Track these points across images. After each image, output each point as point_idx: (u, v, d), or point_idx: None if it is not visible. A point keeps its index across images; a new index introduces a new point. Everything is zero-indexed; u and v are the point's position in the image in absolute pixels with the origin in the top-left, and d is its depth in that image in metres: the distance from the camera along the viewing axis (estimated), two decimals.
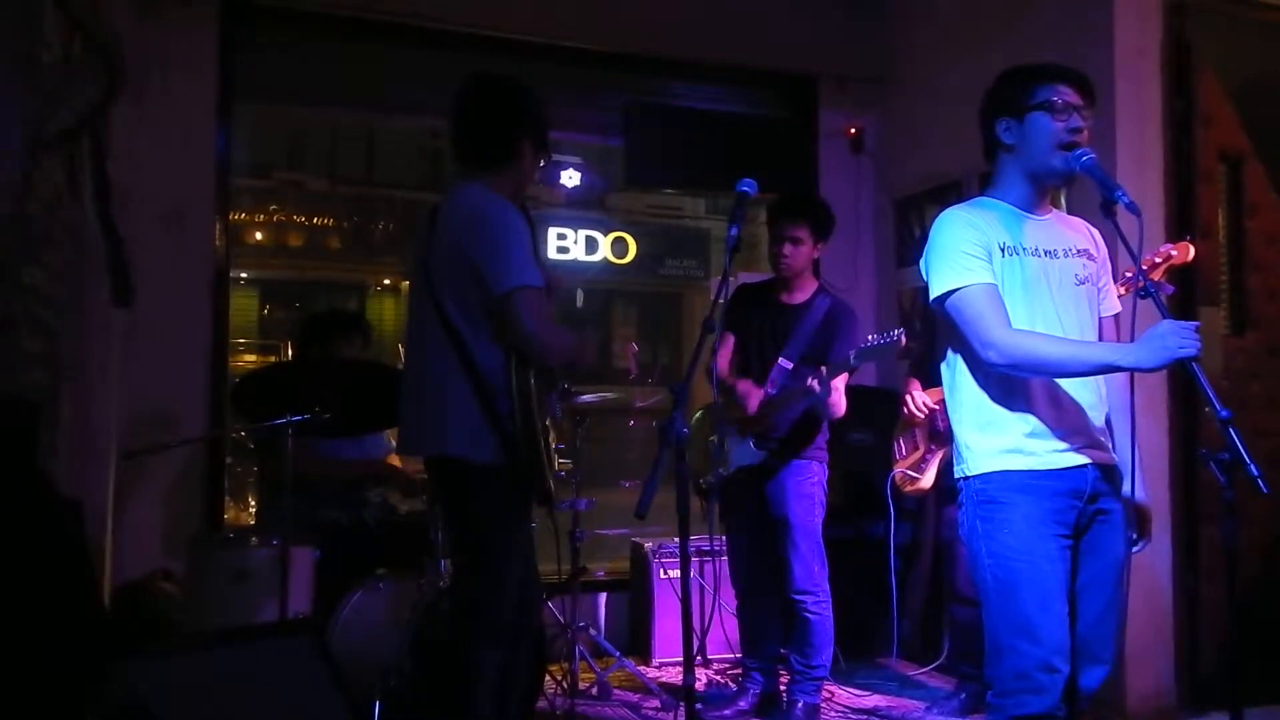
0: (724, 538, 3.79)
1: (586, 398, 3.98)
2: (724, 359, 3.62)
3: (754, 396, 3.47)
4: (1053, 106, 2.13)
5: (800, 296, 3.59)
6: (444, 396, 2.50)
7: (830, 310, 3.52)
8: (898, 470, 3.84)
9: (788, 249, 3.51)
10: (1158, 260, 2.83)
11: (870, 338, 3.20)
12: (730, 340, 3.67)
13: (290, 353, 7.75)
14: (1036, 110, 2.15)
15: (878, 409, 4.59)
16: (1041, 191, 2.24)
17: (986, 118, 2.24)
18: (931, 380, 3.74)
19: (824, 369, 3.30)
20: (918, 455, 3.80)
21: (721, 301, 2.41)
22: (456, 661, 2.54)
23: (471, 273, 2.46)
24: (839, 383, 3.43)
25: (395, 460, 3.96)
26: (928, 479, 3.74)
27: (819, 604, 3.46)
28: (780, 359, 3.49)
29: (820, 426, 3.53)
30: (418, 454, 2.69)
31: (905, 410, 3.73)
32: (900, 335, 3.11)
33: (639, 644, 4.43)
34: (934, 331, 3.91)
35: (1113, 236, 2.16)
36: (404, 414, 2.66)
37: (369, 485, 3.91)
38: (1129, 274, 2.64)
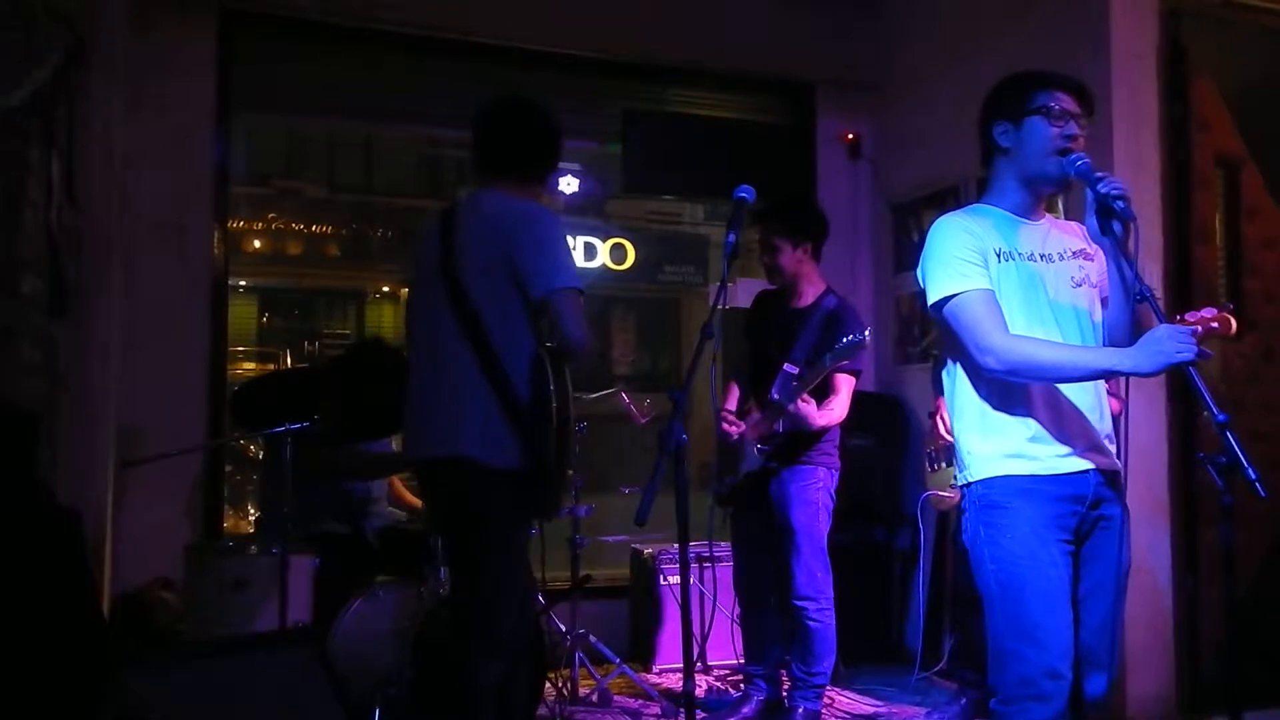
0: (730, 545, 3.79)
1: (592, 396, 4.01)
2: (732, 402, 3.73)
3: (735, 428, 3.56)
4: (1049, 112, 2.13)
5: (806, 300, 3.58)
6: (461, 399, 2.45)
7: (831, 312, 3.50)
8: (930, 492, 3.86)
9: (766, 258, 3.57)
10: (1198, 329, 2.84)
11: (844, 339, 3.20)
12: (734, 387, 3.77)
13: (290, 361, 7.78)
14: (1033, 115, 2.15)
15: (878, 414, 4.59)
16: (1036, 197, 2.24)
17: (984, 121, 2.25)
18: None
19: (795, 382, 3.31)
20: (950, 473, 3.80)
21: (720, 307, 2.42)
22: (455, 673, 2.52)
23: (508, 273, 2.44)
24: (844, 387, 3.43)
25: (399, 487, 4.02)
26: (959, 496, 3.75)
27: (820, 611, 3.44)
28: (786, 365, 3.48)
29: (823, 431, 3.50)
30: (426, 455, 2.56)
31: (935, 431, 3.75)
32: (866, 334, 3.16)
33: (639, 650, 4.43)
34: None
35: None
36: (412, 417, 2.59)
37: (372, 501, 3.92)
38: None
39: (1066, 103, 2.15)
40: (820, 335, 3.47)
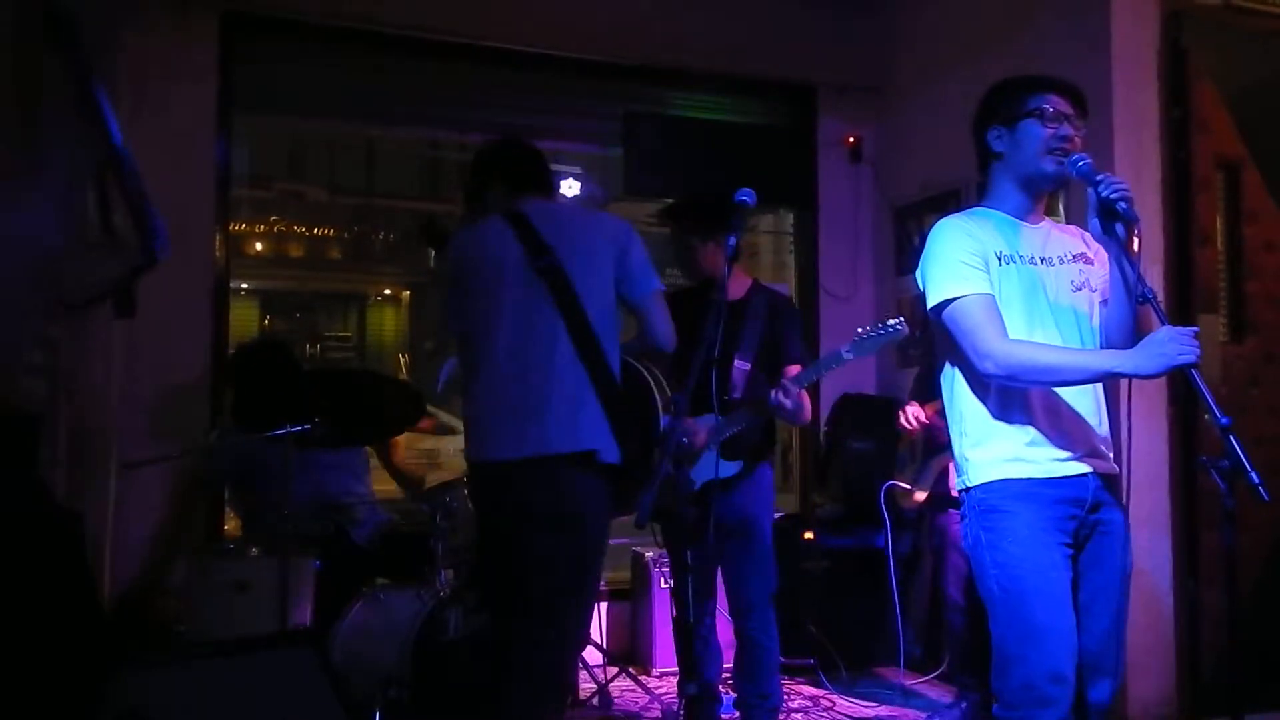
0: (669, 555, 3.46)
1: None
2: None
3: (700, 431, 3.10)
4: (1043, 114, 2.15)
5: (735, 293, 3.25)
6: (571, 396, 2.49)
7: (772, 305, 3.30)
8: (893, 482, 3.86)
9: (683, 255, 3.34)
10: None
11: (861, 330, 2.91)
12: None
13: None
14: (1027, 118, 2.16)
15: (879, 417, 4.58)
16: (1035, 198, 2.25)
17: (979, 128, 2.26)
18: (930, 395, 3.75)
19: (787, 380, 3.02)
20: (914, 467, 3.81)
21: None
22: (546, 674, 2.50)
23: (615, 274, 2.62)
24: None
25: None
26: (923, 490, 3.75)
27: (772, 626, 3.19)
28: (736, 361, 3.22)
29: (774, 428, 3.31)
30: (531, 452, 2.48)
31: (899, 425, 3.74)
32: (902, 324, 2.84)
33: (639, 654, 4.43)
34: (933, 348, 3.95)
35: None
36: (503, 416, 2.51)
37: (356, 501, 3.91)
38: None
39: (1059, 104, 2.16)
40: (768, 330, 3.25)
